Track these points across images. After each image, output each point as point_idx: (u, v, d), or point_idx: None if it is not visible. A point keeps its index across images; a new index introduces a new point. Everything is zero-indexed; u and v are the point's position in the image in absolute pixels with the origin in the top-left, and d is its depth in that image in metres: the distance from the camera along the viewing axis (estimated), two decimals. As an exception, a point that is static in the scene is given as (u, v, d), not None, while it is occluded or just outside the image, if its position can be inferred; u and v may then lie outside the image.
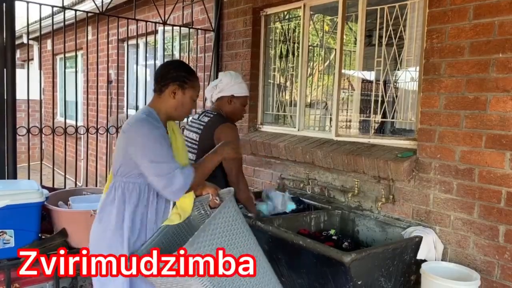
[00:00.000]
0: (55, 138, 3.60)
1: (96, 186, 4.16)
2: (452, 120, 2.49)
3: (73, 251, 2.87)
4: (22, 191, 2.75)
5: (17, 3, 3.19)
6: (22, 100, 3.58)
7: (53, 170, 3.71)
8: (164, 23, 3.88)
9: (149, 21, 3.98)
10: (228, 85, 2.76)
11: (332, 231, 2.84)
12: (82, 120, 6.61)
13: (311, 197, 3.29)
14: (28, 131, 3.36)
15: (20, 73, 3.34)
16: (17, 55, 11.74)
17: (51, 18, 3.60)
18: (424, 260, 2.46)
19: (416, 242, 2.46)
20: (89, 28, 6.19)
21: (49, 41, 8.34)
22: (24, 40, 8.83)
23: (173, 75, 2.01)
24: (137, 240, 1.96)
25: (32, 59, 9.79)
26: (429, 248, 2.49)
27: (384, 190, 2.79)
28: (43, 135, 3.55)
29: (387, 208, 2.82)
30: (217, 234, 1.77)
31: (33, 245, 2.75)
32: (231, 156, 2.21)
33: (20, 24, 8.32)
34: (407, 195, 2.72)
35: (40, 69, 3.81)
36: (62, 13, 3.55)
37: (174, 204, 2.05)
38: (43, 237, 2.94)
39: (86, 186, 3.94)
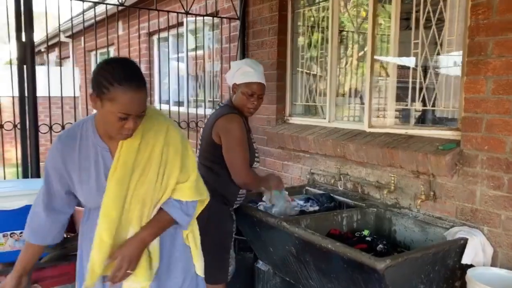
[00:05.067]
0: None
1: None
2: (501, 106, 2.18)
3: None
4: (41, 190, 2.68)
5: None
6: (57, 97, 3.55)
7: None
8: (187, 13, 3.73)
9: (171, 11, 3.84)
10: (232, 73, 2.54)
11: (365, 232, 2.60)
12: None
13: (343, 193, 3.05)
14: (50, 128, 3.30)
15: (57, 71, 3.33)
16: (56, 53, 12.03)
17: (83, 14, 3.50)
18: (471, 265, 2.19)
19: (461, 245, 2.19)
20: (118, 23, 6.16)
21: (79, 38, 8.41)
22: (60, 37, 9.00)
23: (93, 79, 1.55)
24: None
25: (69, 56, 9.98)
26: (476, 251, 2.20)
27: (423, 186, 2.52)
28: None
29: (427, 206, 2.55)
30: None
31: (53, 245, 2.68)
32: None
33: (56, 22, 8.47)
34: (450, 192, 2.44)
35: (58, 66, 3.74)
36: (95, 9, 3.49)
37: None
38: (68, 236, 2.88)
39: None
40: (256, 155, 2.59)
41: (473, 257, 2.19)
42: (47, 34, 3.43)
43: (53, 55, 12.01)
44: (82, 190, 1.67)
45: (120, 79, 1.48)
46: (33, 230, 1.76)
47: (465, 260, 2.18)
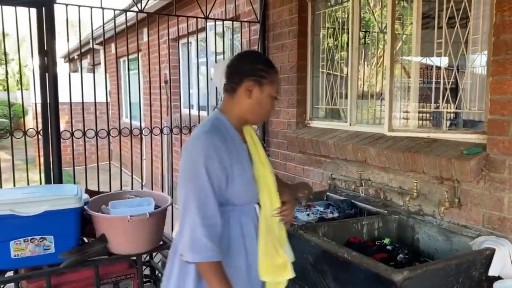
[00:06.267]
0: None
1: (152, 188, 4.05)
2: (530, 108, 2.05)
3: (113, 257, 2.81)
4: (60, 196, 2.71)
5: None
6: (90, 102, 3.62)
7: (98, 173, 3.69)
8: (206, 18, 3.71)
9: (190, 16, 3.83)
10: (219, 75, 2.53)
11: (386, 240, 2.50)
12: (144, 122, 6.69)
13: (365, 200, 2.95)
14: (72, 134, 3.35)
15: (89, 77, 3.40)
16: (88, 60, 12.38)
17: (103, 25, 3.55)
18: (498, 277, 2.06)
19: (487, 255, 2.06)
20: (142, 30, 6.24)
21: (111, 45, 8.59)
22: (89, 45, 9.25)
23: (247, 69, 1.69)
24: None
25: (99, 63, 10.24)
26: (504, 262, 2.07)
27: (447, 193, 2.40)
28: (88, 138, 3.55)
29: (452, 213, 2.42)
30: None
31: (73, 251, 2.71)
32: None
33: (87, 30, 8.70)
34: (475, 199, 2.31)
35: (90, 72, 3.80)
36: (120, 16, 3.52)
37: None
38: (88, 241, 2.91)
39: (142, 188, 3.83)
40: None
41: (501, 269, 2.06)
42: (68, 44, 3.49)
43: (85, 62, 12.35)
44: (242, 183, 1.66)
45: (270, 64, 1.75)
46: (219, 245, 1.59)
47: (492, 272, 2.05)
